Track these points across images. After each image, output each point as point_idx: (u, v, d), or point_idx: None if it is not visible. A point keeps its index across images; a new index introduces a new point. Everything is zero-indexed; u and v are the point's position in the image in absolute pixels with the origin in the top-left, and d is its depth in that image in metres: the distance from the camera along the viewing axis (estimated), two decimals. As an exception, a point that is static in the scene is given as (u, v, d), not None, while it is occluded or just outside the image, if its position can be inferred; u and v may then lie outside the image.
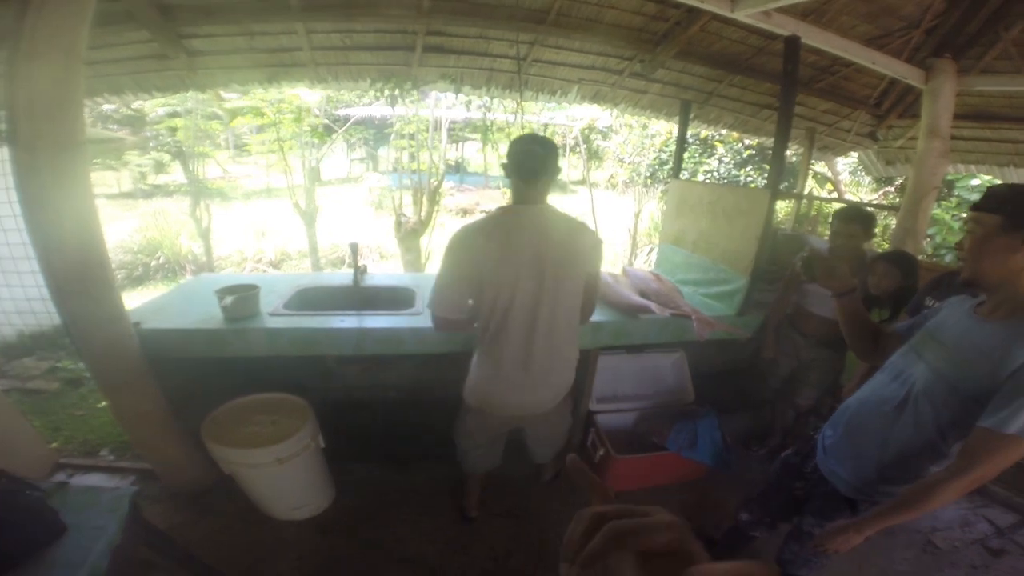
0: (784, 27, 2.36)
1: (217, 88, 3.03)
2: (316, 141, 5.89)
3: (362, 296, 2.56)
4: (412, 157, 6.16)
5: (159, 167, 10.51)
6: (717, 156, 9.26)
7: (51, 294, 1.78)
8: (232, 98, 5.35)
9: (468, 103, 5.86)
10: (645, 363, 2.65)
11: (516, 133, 6.05)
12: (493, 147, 6.74)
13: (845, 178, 8.75)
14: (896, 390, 1.25)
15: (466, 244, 1.55)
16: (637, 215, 7.37)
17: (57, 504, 1.30)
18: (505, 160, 1.56)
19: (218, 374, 2.16)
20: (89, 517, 1.32)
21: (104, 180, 9.60)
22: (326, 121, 6.30)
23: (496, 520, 2.26)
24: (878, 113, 3.93)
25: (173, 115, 6.53)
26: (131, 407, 2.04)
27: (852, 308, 1.40)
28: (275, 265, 7.07)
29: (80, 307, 1.79)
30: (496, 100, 5.35)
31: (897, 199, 8.53)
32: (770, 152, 8.53)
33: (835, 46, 2.57)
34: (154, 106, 6.83)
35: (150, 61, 2.67)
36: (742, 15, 2.27)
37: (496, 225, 1.55)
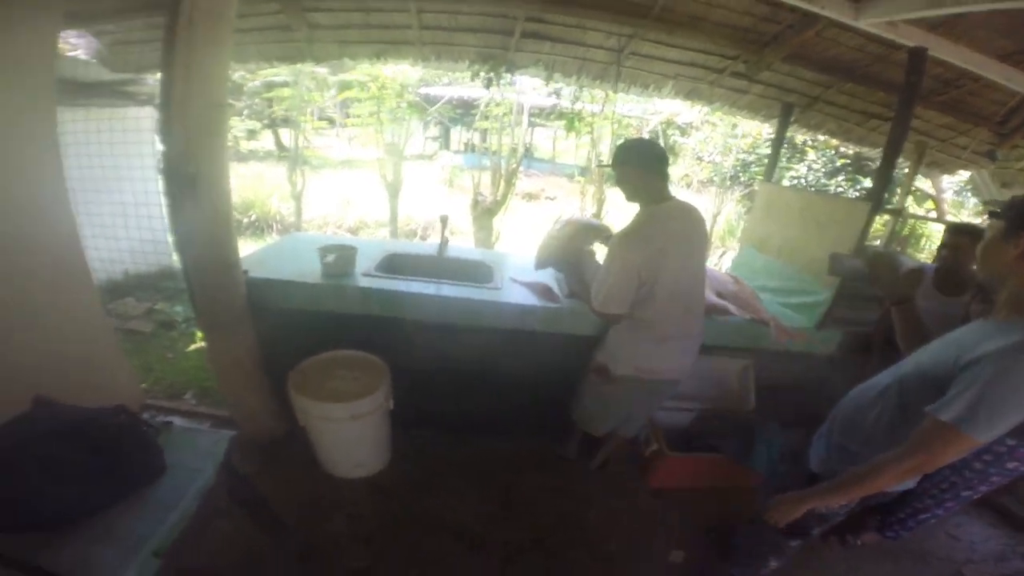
0: (910, 38, 2.23)
1: (331, 60, 3.21)
2: (409, 117, 6.12)
3: (445, 267, 2.71)
4: (484, 138, 6.25)
5: (251, 135, 11.25)
6: (807, 163, 8.75)
7: (177, 239, 1.95)
8: (323, 71, 5.59)
9: (558, 91, 5.85)
10: (712, 366, 2.59)
11: (601, 123, 6.08)
12: (577, 135, 6.73)
13: (948, 197, 8.03)
14: (884, 377, 1.31)
15: (644, 248, 1.75)
16: (715, 216, 7.14)
17: (163, 443, 1.35)
18: (639, 161, 1.80)
19: (307, 327, 2.31)
20: (188, 458, 1.36)
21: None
22: (416, 98, 6.52)
23: (542, 496, 2.34)
24: (1002, 131, 3.57)
25: (271, 86, 6.97)
26: (227, 351, 2.16)
27: (911, 318, 1.43)
28: (353, 232, 7.48)
29: (205, 252, 1.97)
30: (583, 89, 5.34)
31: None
32: (865, 163, 7.99)
33: (966, 60, 2.39)
34: (255, 77, 7.31)
35: (275, 32, 2.90)
36: (865, 23, 2.17)
37: (661, 224, 1.79)
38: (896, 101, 3.25)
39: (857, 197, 8.02)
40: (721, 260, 6.58)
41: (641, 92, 3.39)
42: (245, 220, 7.06)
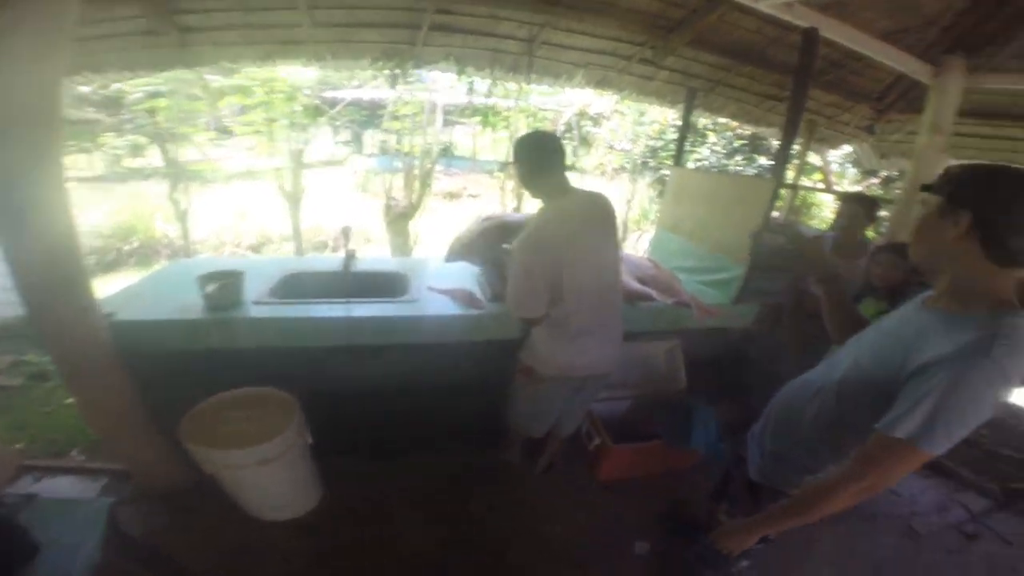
0: (805, 19, 2.33)
1: (208, 66, 2.86)
2: (306, 122, 5.67)
3: (352, 282, 2.46)
4: (399, 140, 5.99)
5: (135, 150, 10.07)
6: (708, 145, 9.23)
7: (16, 282, 1.64)
8: (214, 79, 5.08)
9: (471, 86, 5.68)
10: (640, 351, 2.60)
11: (515, 117, 6.01)
12: (492, 131, 6.61)
13: (833, 169, 8.81)
14: (820, 375, 1.20)
15: (543, 252, 1.68)
16: (629, 202, 7.33)
17: (26, 520, 1.18)
18: (531, 157, 1.71)
19: (197, 367, 2.02)
20: (63, 533, 1.20)
21: (76, 164, 9.22)
22: (316, 102, 6.04)
23: (494, 511, 2.22)
24: (879, 107, 3.92)
25: (155, 96, 6.22)
26: (102, 406, 1.90)
27: (837, 296, 1.35)
28: (255, 249, 6.89)
29: (48, 297, 1.67)
30: (496, 83, 5.21)
31: (881, 191, 8.67)
32: (760, 142, 8.52)
33: (852, 40, 2.54)
34: (135, 87, 6.48)
35: (137, 38, 2.49)
36: (765, 5, 2.24)
37: (557, 224, 1.70)
38: (790, 82, 3.49)
39: (758, 175, 8.63)
40: (638, 243, 6.77)
41: (553, 82, 3.33)
42: (126, 248, 6.29)
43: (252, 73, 4.82)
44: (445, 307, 2.18)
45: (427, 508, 2.20)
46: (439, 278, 2.49)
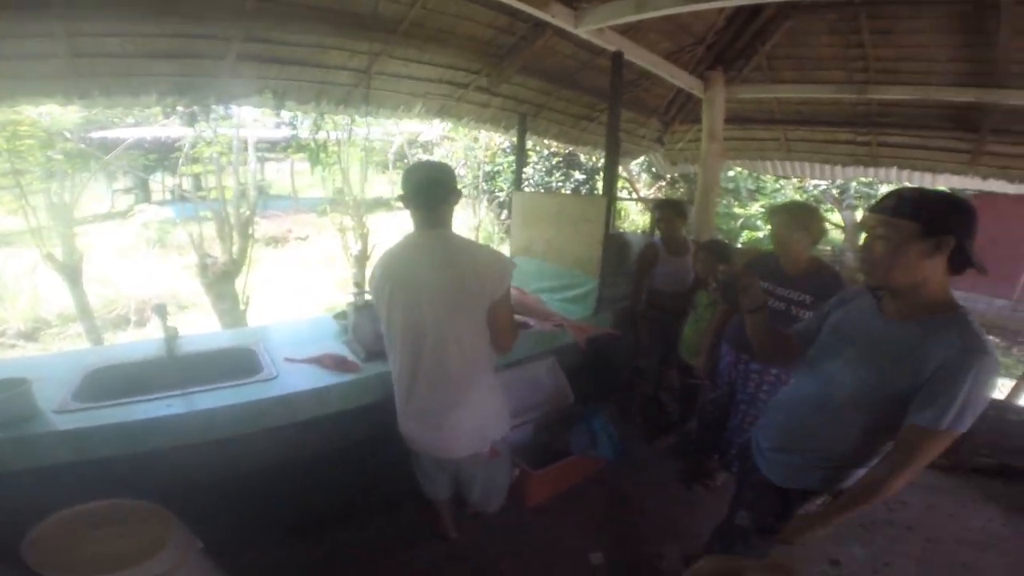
0: (612, 43, 2.58)
1: None
2: (70, 172, 4.52)
3: (184, 368, 2.02)
4: (199, 185, 5.16)
5: None
6: (531, 164, 9.95)
7: None
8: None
9: (294, 119, 5.11)
10: (523, 375, 2.62)
11: (347, 152, 5.61)
12: (324, 168, 6.07)
13: (635, 176, 10.24)
14: (817, 389, 1.31)
15: (373, 277, 1.57)
16: (477, 228, 7.46)
17: None
18: (402, 189, 1.52)
19: (17, 490, 1.50)
20: None
21: None
22: (81, 146, 4.82)
23: (444, 567, 2.06)
24: (665, 120, 4.63)
25: None
26: None
27: (763, 322, 1.43)
28: (28, 337, 5.28)
29: None
30: (323, 117, 4.82)
31: (669, 192, 10.35)
32: (573, 158, 9.43)
33: (647, 61, 2.92)
34: None
35: None
36: (583, 31, 2.42)
37: (393, 256, 1.55)
38: (599, 103, 3.91)
39: (575, 190, 9.55)
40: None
41: (391, 114, 3.17)
42: None
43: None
44: (314, 377, 1.91)
45: None
46: (294, 346, 2.18)
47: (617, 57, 2.51)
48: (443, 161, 1.75)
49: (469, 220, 7.60)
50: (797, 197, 8.58)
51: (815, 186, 9.02)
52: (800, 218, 2.01)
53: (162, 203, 10.85)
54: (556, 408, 2.67)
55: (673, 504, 2.50)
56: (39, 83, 2.07)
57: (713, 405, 2.53)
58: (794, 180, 8.82)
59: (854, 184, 8.64)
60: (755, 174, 8.67)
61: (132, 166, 7.23)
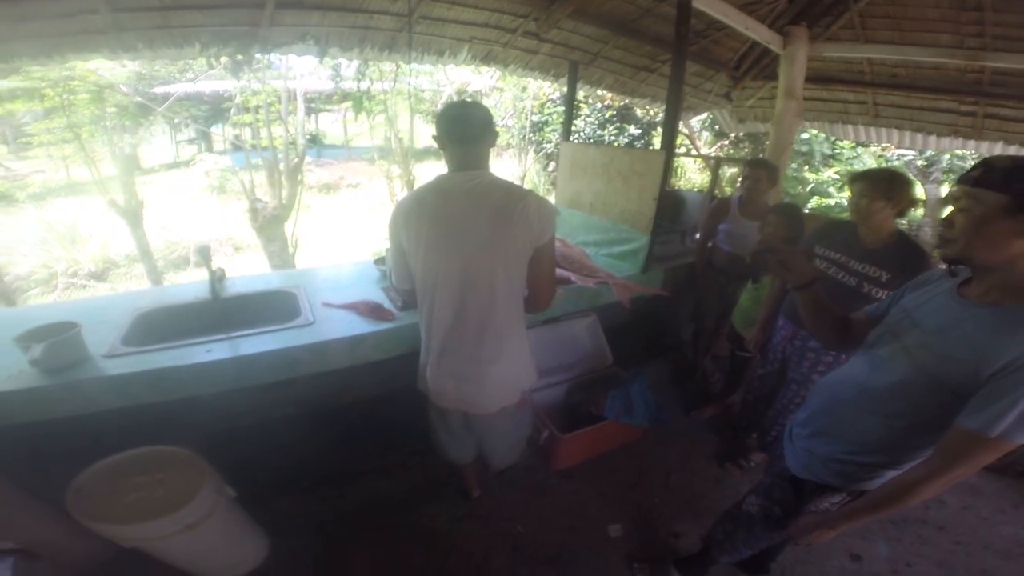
0: None
1: None
2: (127, 124, 4.71)
3: (227, 310, 2.06)
4: (254, 133, 5.28)
5: None
6: (582, 117, 9.52)
7: None
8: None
9: (337, 71, 5.09)
10: (562, 332, 2.57)
11: (393, 100, 5.56)
12: (369, 116, 6.05)
13: (695, 133, 9.61)
14: (865, 372, 1.17)
15: (396, 217, 1.45)
16: (522, 178, 7.30)
17: None
18: (436, 129, 1.42)
19: (65, 434, 1.60)
20: None
21: None
22: (139, 99, 5.01)
23: (455, 527, 2.06)
24: (735, 75, 4.22)
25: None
26: None
27: (813, 300, 1.30)
28: (98, 276, 5.71)
29: None
30: (368, 65, 4.73)
31: (732, 151, 9.68)
32: (628, 112, 8.93)
33: (718, 10, 2.60)
34: None
35: None
36: None
37: (426, 195, 1.41)
38: (661, 53, 3.63)
39: (630, 144, 9.10)
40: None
41: (436, 60, 3.02)
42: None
43: (40, 72, 3.89)
44: (350, 325, 1.89)
45: (382, 536, 1.99)
46: (334, 291, 2.18)
47: (684, 4, 2.24)
48: (479, 101, 1.58)
49: (515, 170, 7.42)
50: (876, 165, 7.80)
51: (900, 156, 8.14)
52: (884, 185, 1.74)
53: (222, 152, 11.30)
54: (592, 369, 2.60)
55: (700, 480, 2.42)
56: (84, 38, 2.07)
57: (761, 381, 2.36)
58: (873, 147, 8.00)
59: (946, 157, 7.73)
60: (832, 138, 7.92)
61: (194, 117, 7.49)
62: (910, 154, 7.90)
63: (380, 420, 2.13)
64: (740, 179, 2.72)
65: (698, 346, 3.07)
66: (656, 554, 1.99)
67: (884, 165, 7.95)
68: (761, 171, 2.59)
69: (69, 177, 8.07)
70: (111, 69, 4.45)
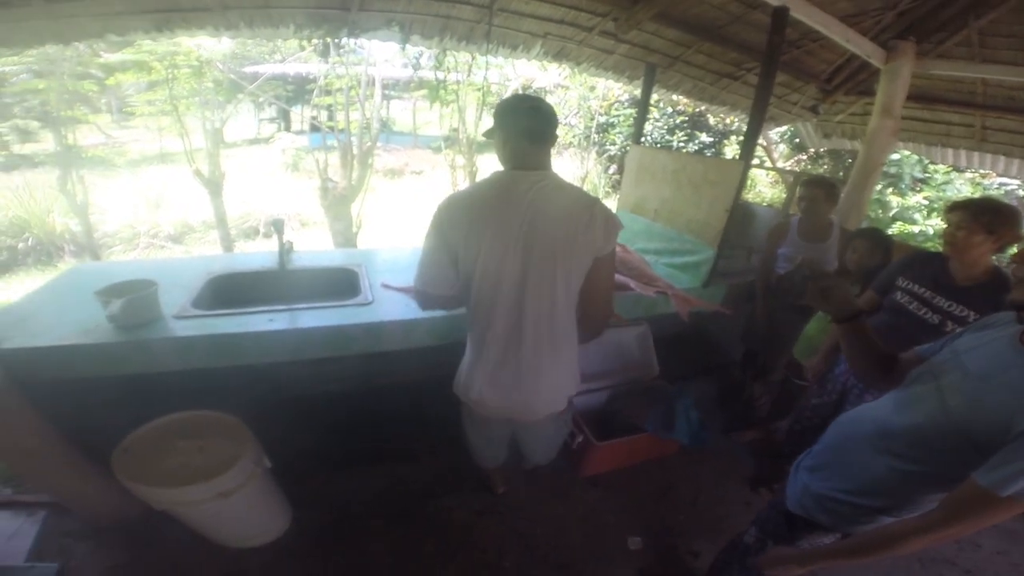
0: None
1: (87, 40, 2.31)
2: (220, 99, 5.05)
3: (292, 282, 2.16)
4: (331, 115, 5.50)
5: (24, 135, 8.80)
6: (651, 120, 9.26)
7: None
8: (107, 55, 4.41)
9: (417, 60, 5.25)
10: (610, 339, 2.51)
11: (464, 91, 5.65)
12: (442, 105, 6.19)
13: (773, 146, 9.12)
14: (890, 413, 1.06)
15: (448, 215, 1.33)
16: (583, 179, 7.21)
17: None
18: (498, 120, 1.33)
19: (121, 393, 1.69)
20: None
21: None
22: (232, 77, 5.38)
23: (477, 520, 2.07)
24: (826, 88, 3.96)
25: (39, 75, 5.31)
26: (10, 446, 1.57)
27: (855, 334, 1.17)
28: (175, 239, 6.16)
29: None
30: (445, 54, 4.82)
31: (809, 167, 9.11)
32: (700, 120, 8.57)
33: (818, 21, 2.45)
34: (7, 63, 5.49)
35: None
36: None
37: (485, 193, 1.32)
38: (747, 60, 3.46)
39: (699, 151, 8.77)
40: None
41: (510, 53, 3.01)
42: (21, 246, 5.45)
43: (150, 47, 4.19)
44: (407, 308, 1.93)
45: (404, 521, 2.02)
46: (394, 272, 2.23)
47: (780, 13, 2.11)
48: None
49: (575, 171, 7.33)
50: (972, 193, 7.09)
51: (1000, 184, 7.38)
52: (987, 217, 1.56)
53: (299, 132, 11.89)
54: (636, 379, 2.53)
55: (730, 502, 2.31)
56: (193, 15, 2.20)
57: (814, 411, 2.20)
58: (970, 173, 7.28)
59: (1055, 190, 6.96)
60: (925, 161, 7.27)
61: (276, 97, 7.92)
62: (1013, 183, 7.15)
63: (417, 405, 2.16)
64: (797, 199, 2.51)
65: (747, 368, 2.92)
66: (669, 572, 1.94)
67: (979, 192, 7.23)
68: (818, 190, 2.38)
69: (162, 147, 8.73)
70: (211, 48, 4.77)
